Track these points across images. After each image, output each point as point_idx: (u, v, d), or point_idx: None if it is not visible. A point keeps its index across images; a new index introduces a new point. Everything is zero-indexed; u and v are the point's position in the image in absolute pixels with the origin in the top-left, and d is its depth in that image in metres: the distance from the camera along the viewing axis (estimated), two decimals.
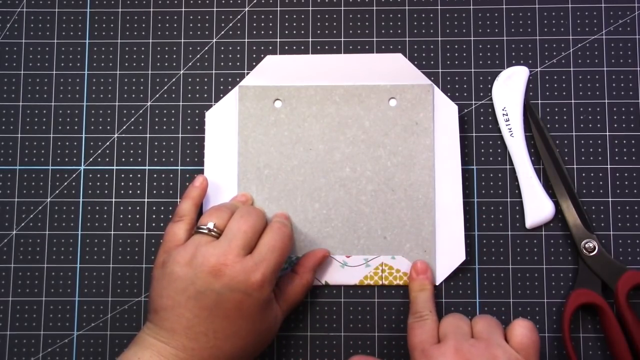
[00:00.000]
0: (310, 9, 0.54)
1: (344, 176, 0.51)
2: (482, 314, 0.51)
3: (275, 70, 0.52)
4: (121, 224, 0.52)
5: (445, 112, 0.51)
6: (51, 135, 0.53)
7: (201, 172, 0.52)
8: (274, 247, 0.45)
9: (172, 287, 0.43)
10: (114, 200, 0.53)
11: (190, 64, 0.54)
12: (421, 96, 0.51)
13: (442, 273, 0.50)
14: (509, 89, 0.52)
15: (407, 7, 0.54)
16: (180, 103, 0.53)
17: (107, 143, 0.53)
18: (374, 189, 0.51)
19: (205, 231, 0.45)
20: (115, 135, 0.53)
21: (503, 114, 0.52)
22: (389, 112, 0.51)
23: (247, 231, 0.45)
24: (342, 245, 0.51)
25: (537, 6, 0.54)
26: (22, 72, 0.54)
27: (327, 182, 0.51)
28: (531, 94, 0.53)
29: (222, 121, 0.52)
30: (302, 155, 0.51)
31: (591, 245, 0.50)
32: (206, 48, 0.54)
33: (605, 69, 0.53)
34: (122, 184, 0.53)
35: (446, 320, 0.46)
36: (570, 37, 0.53)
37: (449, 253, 0.50)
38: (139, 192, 0.53)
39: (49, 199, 0.53)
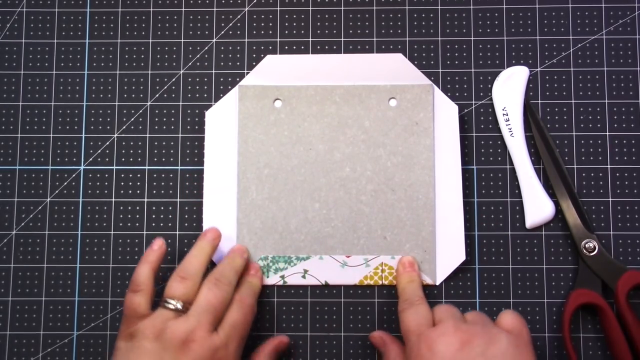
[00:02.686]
0: (310, 9, 0.54)
1: (344, 176, 0.51)
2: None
3: (275, 70, 0.52)
4: (121, 224, 0.52)
5: (446, 112, 0.51)
6: (51, 135, 0.53)
7: (201, 171, 0.52)
8: (239, 323, 0.46)
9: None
10: (113, 200, 0.53)
11: (190, 64, 0.54)
12: (421, 96, 0.51)
13: (442, 273, 0.50)
14: (509, 89, 0.52)
15: (407, 7, 0.54)
16: (180, 103, 0.53)
17: (107, 143, 0.53)
18: (374, 189, 0.51)
19: (172, 307, 0.44)
20: (115, 135, 0.53)
21: (503, 114, 0.52)
22: (389, 112, 0.51)
23: (217, 306, 0.45)
24: (342, 245, 0.51)
25: (537, 6, 0.54)
26: (22, 72, 0.54)
27: (327, 182, 0.51)
28: (531, 93, 0.53)
29: (222, 121, 0.52)
30: (302, 155, 0.51)
31: (591, 245, 0.50)
32: (206, 48, 0.54)
33: (605, 69, 0.53)
34: (122, 184, 0.53)
35: (439, 308, 0.46)
36: (570, 37, 0.53)
37: (449, 253, 0.50)
38: (139, 192, 0.53)
39: (48, 199, 0.53)
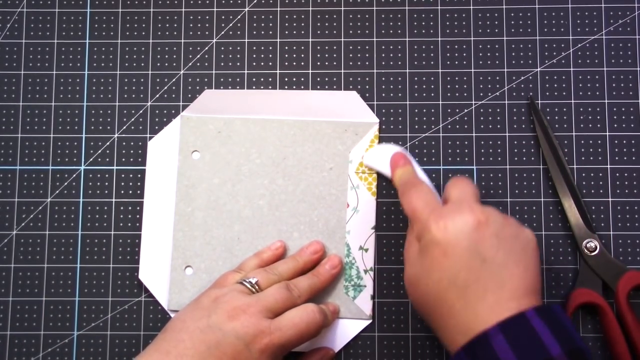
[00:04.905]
0: (310, 9, 0.54)
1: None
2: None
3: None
4: (121, 224, 0.52)
5: None
6: (51, 135, 0.53)
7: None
8: (296, 325, 0.44)
9: (190, 313, 0.44)
10: (114, 200, 0.53)
11: (190, 64, 0.54)
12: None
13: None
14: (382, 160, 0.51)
15: (407, 7, 0.54)
16: (180, 103, 0.53)
17: (107, 143, 0.53)
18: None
19: (248, 285, 0.46)
20: (115, 135, 0.53)
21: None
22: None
23: (279, 302, 0.45)
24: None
25: (537, 6, 0.54)
26: (22, 72, 0.54)
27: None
28: (531, 94, 0.53)
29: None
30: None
31: (593, 244, 0.50)
32: (206, 48, 0.54)
33: (605, 69, 0.53)
34: (122, 184, 0.53)
35: (454, 185, 0.44)
36: (570, 37, 0.53)
37: None
38: (138, 192, 0.53)
39: (49, 199, 0.53)
